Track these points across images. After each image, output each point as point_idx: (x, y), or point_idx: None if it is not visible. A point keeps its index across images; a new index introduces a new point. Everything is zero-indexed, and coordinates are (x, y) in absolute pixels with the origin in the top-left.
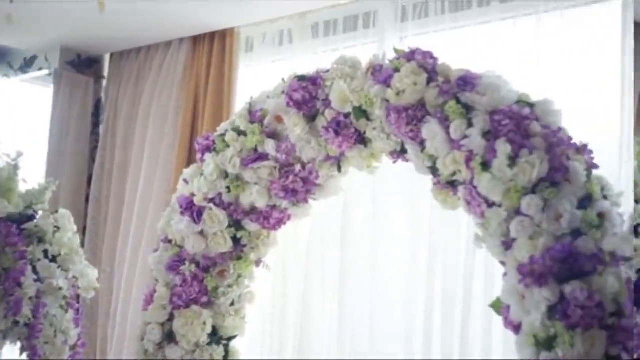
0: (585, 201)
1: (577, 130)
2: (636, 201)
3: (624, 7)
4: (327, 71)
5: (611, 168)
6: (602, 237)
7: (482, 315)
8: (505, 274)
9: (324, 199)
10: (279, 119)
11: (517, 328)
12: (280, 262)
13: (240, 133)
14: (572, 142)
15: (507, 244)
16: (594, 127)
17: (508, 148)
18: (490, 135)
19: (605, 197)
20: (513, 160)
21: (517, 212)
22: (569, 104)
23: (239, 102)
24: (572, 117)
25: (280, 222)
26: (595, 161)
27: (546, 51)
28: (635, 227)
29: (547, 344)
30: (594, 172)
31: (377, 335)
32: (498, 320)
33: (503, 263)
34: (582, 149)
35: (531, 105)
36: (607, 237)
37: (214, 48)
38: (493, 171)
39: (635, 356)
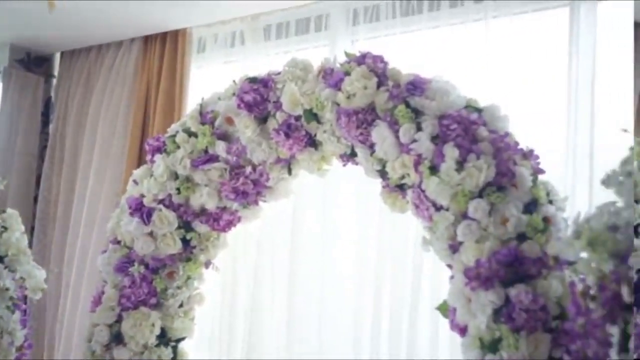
0: (531, 206)
1: (525, 134)
2: (636, 201)
3: (571, 13)
4: (279, 73)
5: (558, 172)
6: (547, 241)
7: (429, 318)
8: (452, 277)
9: (274, 201)
10: (229, 121)
11: (463, 330)
12: (230, 264)
13: (190, 134)
14: (519, 147)
15: (454, 247)
16: (541, 132)
17: (456, 152)
18: (438, 139)
19: (550, 202)
20: (461, 164)
21: (464, 215)
22: (517, 109)
23: (190, 103)
24: (520, 122)
25: (230, 224)
26: (542, 166)
27: (495, 56)
28: (636, 227)
29: (492, 346)
30: (540, 177)
31: (326, 337)
32: (445, 322)
33: (450, 266)
34: (529, 154)
35: (479, 110)
36: (552, 241)
37: (165, 48)
38: (441, 175)
39: (635, 356)
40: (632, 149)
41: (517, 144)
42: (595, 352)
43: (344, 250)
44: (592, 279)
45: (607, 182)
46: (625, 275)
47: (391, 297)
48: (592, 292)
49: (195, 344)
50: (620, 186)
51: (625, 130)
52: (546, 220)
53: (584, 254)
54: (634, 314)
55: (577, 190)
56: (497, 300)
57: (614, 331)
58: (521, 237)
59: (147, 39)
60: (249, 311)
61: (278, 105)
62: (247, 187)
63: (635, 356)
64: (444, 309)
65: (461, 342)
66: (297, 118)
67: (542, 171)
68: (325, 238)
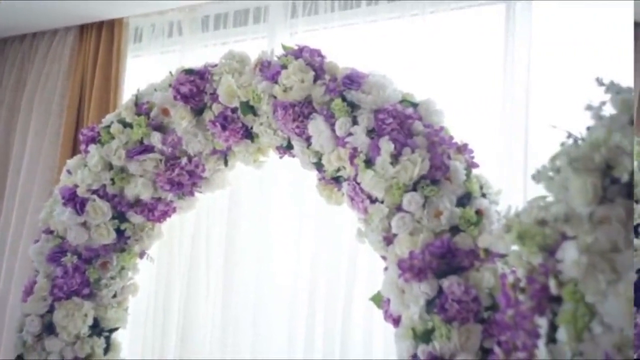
0: (464, 199)
1: (460, 129)
2: (636, 201)
3: (507, 10)
4: (215, 65)
5: (492, 166)
6: (479, 233)
7: (364, 309)
8: (386, 269)
9: (210, 192)
10: (165, 112)
11: (396, 321)
12: (165, 255)
13: (126, 125)
14: (453, 141)
15: (388, 239)
16: (477, 126)
17: (391, 146)
18: (374, 133)
19: (484, 195)
20: (395, 158)
21: (399, 208)
22: (453, 104)
23: (126, 94)
24: (456, 117)
25: (165, 215)
26: (476, 160)
27: (432, 51)
28: (635, 227)
29: (424, 336)
30: (474, 170)
31: (261, 327)
32: (379, 313)
33: (384, 258)
34: (463, 148)
35: (414, 105)
36: (483, 234)
37: (101, 38)
38: (376, 168)
39: (635, 356)
40: (562, 144)
41: (451, 138)
42: (524, 343)
43: (279, 241)
44: (522, 271)
45: (537, 177)
46: (553, 268)
47: (326, 287)
48: (521, 284)
49: (129, 335)
50: (550, 181)
51: (555, 127)
52: (479, 213)
53: (514, 247)
54: (634, 314)
55: (513, 185)
56: (430, 292)
57: (542, 322)
58: (454, 230)
59: (83, 28)
60: (183, 302)
61: (214, 97)
62: (183, 178)
63: (635, 356)
64: (378, 300)
65: (394, 332)
66: (234, 110)
67: (476, 165)
68: (261, 230)
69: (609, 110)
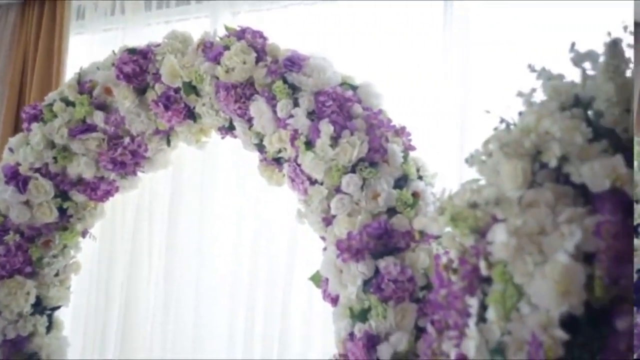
0: (402, 181)
1: (398, 112)
2: (636, 201)
3: None
4: (158, 45)
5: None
6: (416, 215)
7: (303, 288)
8: (325, 249)
9: (153, 172)
10: (108, 91)
11: (334, 300)
12: (107, 234)
13: (68, 103)
14: (392, 124)
15: (328, 220)
16: (414, 110)
17: (330, 128)
18: (314, 115)
19: (420, 178)
20: (335, 140)
21: (338, 190)
22: (392, 87)
23: (69, 72)
24: (395, 100)
25: (107, 194)
26: (413, 143)
27: (372, 35)
28: (635, 227)
29: (361, 315)
30: (411, 153)
31: (202, 303)
32: (318, 292)
33: (323, 238)
34: (401, 131)
35: (354, 88)
36: (419, 216)
37: (43, 15)
38: (316, 150)
39: (635, 356)
40: (495, 129)
41: (389, 120)
42: (455, 322)
43: (221, 220)
44: (455, 252)
45: (470, 161)
46: (484, 249)
47: (267, 267)
48: (454, 265)
49: (72, 313)
50: (482, 165)
51: (488, 112)
52: (415, 195)
53: (448, 229)
54: (634, 314)
55: (449, 167)
56: (367, 272)
57: (473, 302)
58: (391, 211)
59: (25, 5)
60: (125, 280)
61: (157, 77)
62: (125, 157)
63: (635, 356)
64: (317, 280)
65: (332, 311)
66: (176, 90)
67: (413, 148)
68: (203, 209)
69: (540, 96)
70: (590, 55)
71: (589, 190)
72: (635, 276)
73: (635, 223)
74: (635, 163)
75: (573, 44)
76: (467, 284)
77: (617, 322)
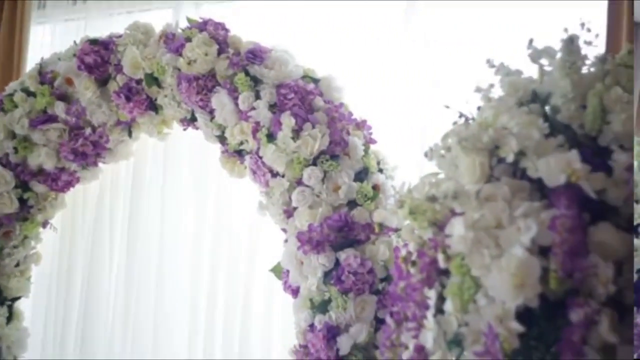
0: (362, 174)
1: (360, 105)
2: (636, 201)
3: None
4: (120, 36)
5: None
6: (376, 208)
7: (264, 280)
8: (286, 241)
9: (114, 163)
10: (69, 82)
11: (295, 292)
12: (68, 224)
13: (29, 94)
14: (353, 117)
15: (289, 212)
16: (375, 103)
17: (292, 121)
18: (276, 108)
19: (381, 171)
20: (297, 133)
21: (299, 182)
22: (354, 80)
23: (30, 62)
24: (356, 93)
25: (68, 185)
26: (374, 136)
27: (334, 28)
28: (636, 227)
29: (321, 307)
30: (372, 146)
31: (163, 292)
32: (279, 284)
33: (284, 230)
34: (362, 124)
35: (316, 81)
36: (378, 209)
37: (4, 4)
38: (278, 143)
39: (635, 356)
40: (454, 124)
41: (351, 114)
42: (414, 314)
43: (182, 212)
44: (413, 245)
45: (429, 154)
46: (442, 242)
47: (228, 258)
48: (412, 257)
49: (32, 304)
50: (441, 159)
51: (448, 107)
52: (376, 188)
53: (407, 222)
54: (635, 314)
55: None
56: (328, 264)
57: (431, 294)
58: (352, 204)
59: None
60: (86, 271)
61: (119, 68)
62: (87, 148)
63: (635, 356)
64: (278, 271)
65: (293, 303)
66: (138, 81)
67: (374, 141)
68: (164, 201)
69: (499, 92)
70: (548, 52)
71: (545, 184)
72: (636, 276)
73: (635, 223)
74: (635, 163)
75: (531, 41)
76: (425, 277)
77: (571, 314)
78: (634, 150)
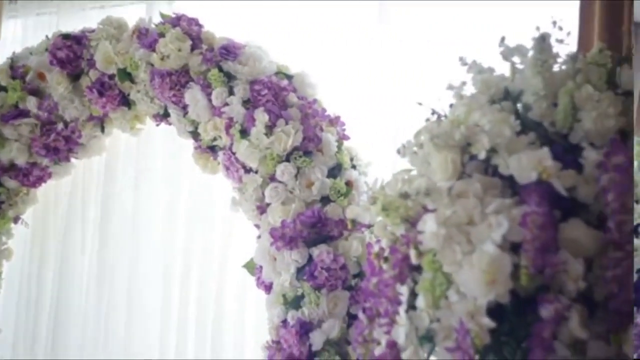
0: (335, 170)
1: (334, 101)
2: (636, 201)
3: None
4: (93, 31)
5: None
6: (349, 204)
7: (237, 276)
8: (259, 237)
9: (86, 158)
10: (41, 77)
11: (268, 288)
12: (40, 220)
13: (0, 88)
14: (326, 113)
15: (262, 209)
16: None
17: (266, 117)
18: (249, 104)
19: (354, 167)
20: (270, 129)
21: (272, 178)
22: (326, 77)
23: (1, 56)
24: (330, 90)
25: (40, 180)
26: (347, 132)
27: (307, 24)
28: (636, 227)
29: (294, 303)
30: (345, 142)
31: (136, 289)
32: (252, 280)
33: (257, 226)
34: (335, 121)
35: (289, 77)
36: (351, 205)
37: None
38: (251, 139)
39: (635, 356)
40: (427, 120)
41: (324, 110)
42: (386, 309)
43: (155, 208)
44: (386, 241)
45: (402, 151)
46: (414, 238)
47: (201, 254)
48: (385, 254)
49: (3, 300)
50: (413, 156)
51: (420, 104)
52: (349, 184)
53: (379, 218)
54: (635, 314)
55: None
56: (301, 260)
57: (403, 290)
58: (325, 200)
59: None
60: (58, 267)
61: (92, 63)
62: (59, 143)
63: (635, 356)
64: (251, 267)
65: (266, 299)
66: (111, 77)
67: (347, 137)
68: (137, 196)
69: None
70: (520, 50)
71: (517, 181)
72: (636, 276)
73: (635, 223)
74: (635, 163)
75: (503, 39)
76: (397, 273)
77: (541, 310)
78: (634, 150)
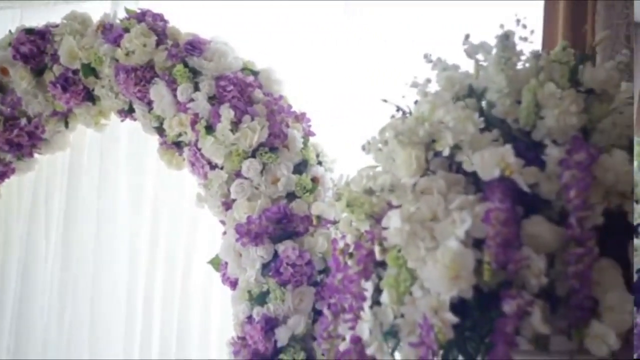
0: (301, 166)
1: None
2: (636, 201)
3: None
4: (57, 26)
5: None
6: (315, 200)
7: (203, 272)
8: (224, 233)
9: (50, 154)
10: (4, 72)
11: (233, 284)
12: (2, 216)
13: None
14: (292, 110)
15: (227, 205)
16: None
17: (231, 113)
18: (215, 100)
19: (320, 163)
20: (235, 125)
21: (238, 174)
22: (293, 73)
23: None
24: (295, 86)
25: (3, 176)
26: (313, 129)
27: (273, 20)
28: (636, 227)
29: (260, 299)
30: (311, 139)
31: (99, 286)
32: (217, 276)
33: (223, 222)
34: (301, 117)
35: (255, 73)
36: (317, 201)
37: None
38: (216, 135)
39: (635, 356)
40: (392, 117)
41: (290, 106)
42: (351, 305)
43: (120, 203)
44: (351, 237)
45: (366, 148)
46: (379, 235)
47: (166, 250)
48: (350, 250)
49: None
50: (378, 152)
51: (385, 101)
52: (315, 180)
53: (345, 214)
54: (634, 314)
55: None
56: (266, 255)
57: (368, 286)
58: (291, 196)
59: None
60: (22, 265)
61: (55, 58)
62: (22, 139)
63: (635, 356)
64: (216, 263)
65: (231, 295)
66: (75, 72)
67: (312, 133)
68: (101, 192)
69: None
70: (484, 47)
71: (480, 178)
72: (636, 276)
73: (635, 223)
74: (635, 163)
75: (467, 36)
76: (362, 268)
77: (504, 305)
78: (633, 150)
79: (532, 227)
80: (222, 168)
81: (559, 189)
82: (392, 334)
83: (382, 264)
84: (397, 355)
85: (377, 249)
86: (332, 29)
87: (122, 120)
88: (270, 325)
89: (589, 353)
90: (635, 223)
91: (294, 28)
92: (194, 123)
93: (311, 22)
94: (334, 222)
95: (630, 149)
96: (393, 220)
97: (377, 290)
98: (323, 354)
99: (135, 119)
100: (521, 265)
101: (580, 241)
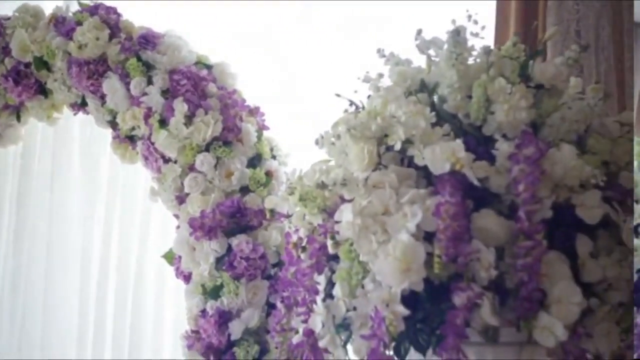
0: (255, 160)
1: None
2: (636, 201)
3: None
4: (8, 19)
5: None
6: (269, 194)
7: (156, 266)
8: (178, 227)
9: (2, 148)
10: None
11: (187, 278)
12: None
13: None
14: (246, 104)
15: (181, 199)
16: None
17: (185, 107)
18: (168, 93)
19: (274, 157)
20: (189, 119)
21: (191, 168)
22: (247, 67)
23: None
24: (249, 80)
25: None
26: (267, 123)
27: (228, 14)
28: (636, 227)
29: (214, 292)
30: (265, 133)
31: (52, 282)
32: (171, 270)
33: (177, 216)
34: (255, 111)
35: (209, 67)
36: (271, 195)
37: None
38: (170, 128)
39: (635, 356)
40: (345, 111)
41: (244, 100)
42: (304, 298)
43: (72, 198)
44: (304, 231)
45: (320, 142)
46: (331, 228)
47: (119, 244)
48: (303, 243)
49: None
50: (331, 147)
51: (339, 95)
52: (269, 174)
53: (298, 208)
54: (634, 314)
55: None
56: (220, 249)
57: (321, 279)
58: (244, 190)
59: None
60: None
61: (7, 51)
62: None
63: (635, 356)
64: (170, 257)
65: (185, 288)
66: (27, 65)
67: (266, 127)
68: (53, 186)
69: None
70: (435, 43)
71: (431, 172)
72: (636, 276)
73: (635, 223)
74: (635, 163)
75: (419, 31)
76: (315, 262)
77: (454, 298)
78: (633, 150)
79: (482, 221)
80: (175, 162)
81: (508, 183)
82: (344, 326)
83: (335, 258)
84: (349, 347)
85: (329, 242)
86: (286, 23)
87: (74, 114)
88: (224, 318)
89: (538, 344)
90: (635, 223)
91: (248, 21)
92: (147, 117)
93: (266, 15)
94: (288, 216)
95: (578, 144)
96: (345, 214)
97: (330, 284)
98: (276, 347)
99: (88, 113)
100: (471, 258)
101: (529, 234)
